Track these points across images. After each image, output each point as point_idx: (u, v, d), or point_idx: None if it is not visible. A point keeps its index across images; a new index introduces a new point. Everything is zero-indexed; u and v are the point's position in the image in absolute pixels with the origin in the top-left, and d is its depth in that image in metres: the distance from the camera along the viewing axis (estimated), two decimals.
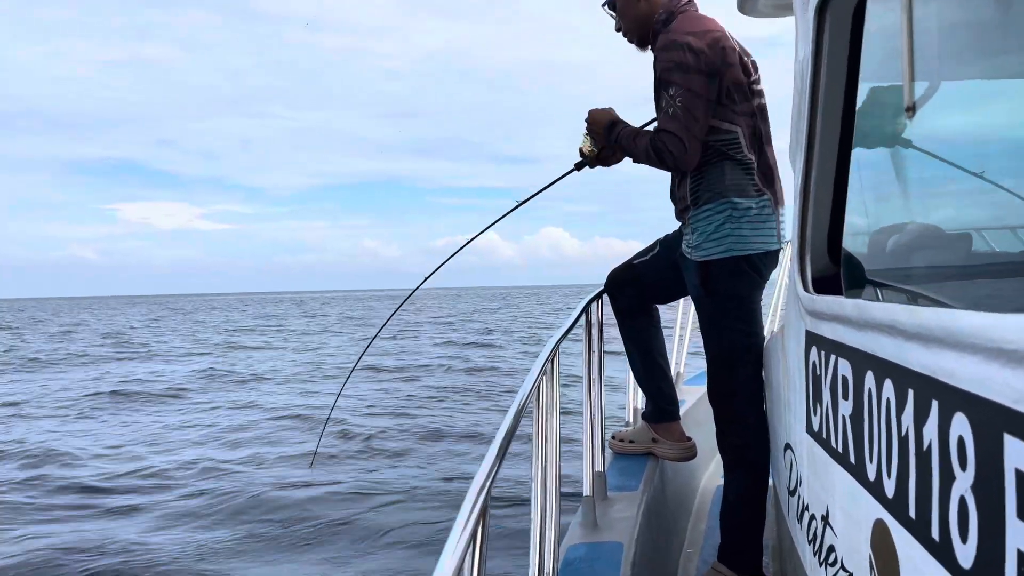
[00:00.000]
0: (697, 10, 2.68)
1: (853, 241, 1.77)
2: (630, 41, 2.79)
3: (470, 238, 3.33)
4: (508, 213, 3.16)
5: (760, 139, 2.63)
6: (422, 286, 3.48)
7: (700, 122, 2.49)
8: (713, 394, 2.75)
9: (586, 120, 2.84)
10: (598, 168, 2.93)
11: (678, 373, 4.45)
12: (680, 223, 2.80)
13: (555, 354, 2.17)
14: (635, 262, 3.03)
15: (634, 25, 2.72)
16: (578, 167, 2.93)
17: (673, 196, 2.78)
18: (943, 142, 1.51)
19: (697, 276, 2.66)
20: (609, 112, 2.80)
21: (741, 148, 2.57)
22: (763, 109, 2.67)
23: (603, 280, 3.06)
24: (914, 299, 1.48)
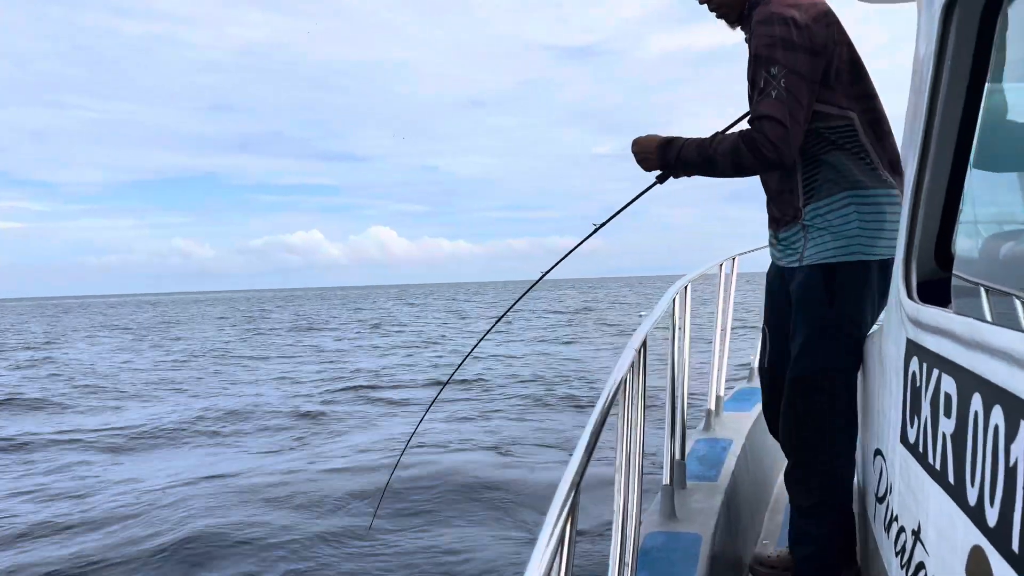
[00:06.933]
0: None
1: (963, 248, 1.70)
2: (719, 16, 2.48)
3: (557, 261, 3.01)
4: (589, 236, 2.93)
5: (882, 123, 2.34)
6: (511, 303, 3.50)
7: (804, 108, 2.22)
8: (805, 416, 2.39)
9: (633, 151, 2.54)
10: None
11: (719, 397, 4.08)
12: (774, 233, 2.52)
13: (643, 346, 2.16)
14: (765, 364, 2.67)
15: None
16: (660, 180, 2.68)
17: (773, 200, 2.48)
18: None
19: (820, 280, 2.35)
20: (654, 136, 2.51)
21: (857, 136, 2.30)
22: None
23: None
24: None
